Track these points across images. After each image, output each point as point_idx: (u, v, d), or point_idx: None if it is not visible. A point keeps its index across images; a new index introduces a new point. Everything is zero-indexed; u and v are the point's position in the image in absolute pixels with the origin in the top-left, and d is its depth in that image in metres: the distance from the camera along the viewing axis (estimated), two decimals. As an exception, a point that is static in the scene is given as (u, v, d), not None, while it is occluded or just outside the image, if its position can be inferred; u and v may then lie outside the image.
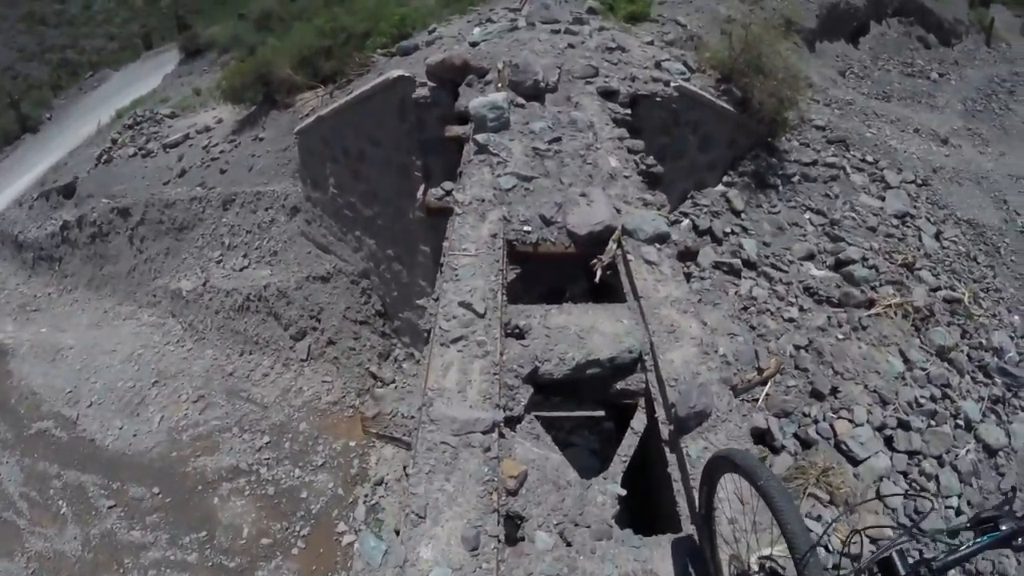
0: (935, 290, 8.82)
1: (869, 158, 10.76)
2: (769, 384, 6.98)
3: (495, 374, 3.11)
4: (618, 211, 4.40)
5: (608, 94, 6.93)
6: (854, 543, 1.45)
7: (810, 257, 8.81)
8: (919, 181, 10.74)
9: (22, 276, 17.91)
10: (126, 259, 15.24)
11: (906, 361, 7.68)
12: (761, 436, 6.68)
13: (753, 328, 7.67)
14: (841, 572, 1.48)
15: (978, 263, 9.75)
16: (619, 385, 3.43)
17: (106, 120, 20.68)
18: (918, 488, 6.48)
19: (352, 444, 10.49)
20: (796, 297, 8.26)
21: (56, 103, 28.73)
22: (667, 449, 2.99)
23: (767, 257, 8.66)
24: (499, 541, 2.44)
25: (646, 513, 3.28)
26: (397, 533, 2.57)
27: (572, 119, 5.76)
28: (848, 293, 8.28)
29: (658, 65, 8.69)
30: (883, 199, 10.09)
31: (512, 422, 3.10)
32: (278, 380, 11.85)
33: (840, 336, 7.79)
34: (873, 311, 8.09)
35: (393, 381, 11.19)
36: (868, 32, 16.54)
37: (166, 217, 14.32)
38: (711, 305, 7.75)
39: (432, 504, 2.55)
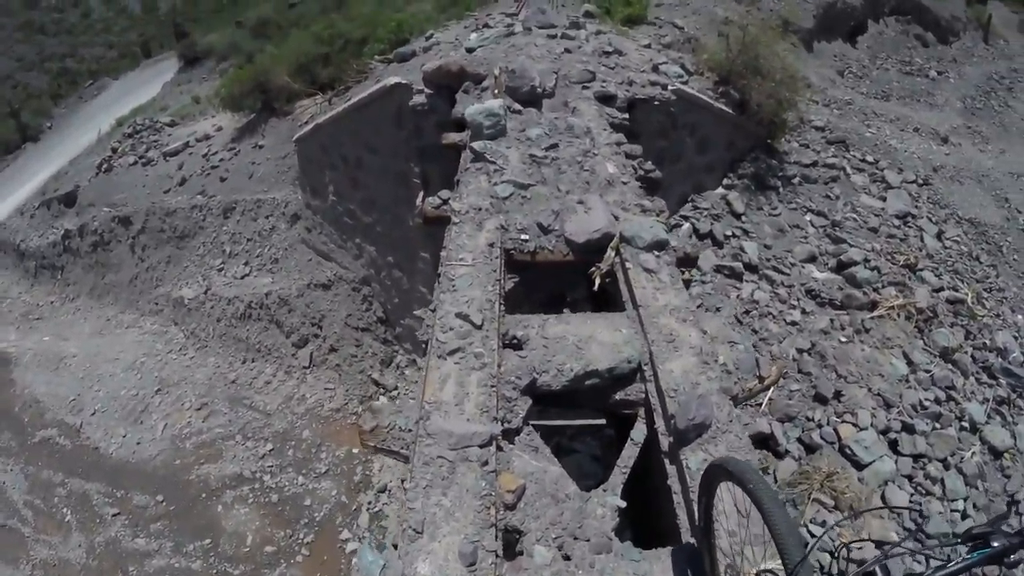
0: (938, 291, 8.79)
1: (869, 158, 10.73)
2: (772, 389, 6.96)
3: (493, 386, 3.09)
4: (616, 218, 4.38)
5: (605, 99, 6.91)
6: (845, 557, 1.44)
7: (812, 259, 8.79)
8: (920, 180, 10.70)
9: (24, 285, 17.99)
10: (128, 267, 15.29)
11: (910, 363, 7.65)
12: (764, 441, 6.65)
13: (755, 332, 7.64)
14: None
15: (980, 263, 9.71)
16: (618, 395, 3.41)
17: (106, 129, 20.77)
18: (923, 492, 6.44)
19: (355, 451, 10.48)
20: (798, 300, 8.23)
21: (56, 112, 28.88)
22: (667, 461, 2.97)
23: (768, 260, 8.64)
24: (497, 556, 2.42)
25: (646, 524, 3.26)
26: (395, 547, 2.56)
27: (569, 125, 5.75)
28: (850, 295, 8.25)
29: (655, 68, 8.68)
30: (884, 199, 10.06)
31: (510, 434, 3.08)
32: (281, 388, 11.86)
33: (843, 339, 7.76)
34: (876, 313, 8.06)
35: (395, 387, 11.18)
36: (866, 31, 16.51)
37: (167, 225, 14.36)
38: (713, 310, 7.72)
39: (429, 519, 2.53)
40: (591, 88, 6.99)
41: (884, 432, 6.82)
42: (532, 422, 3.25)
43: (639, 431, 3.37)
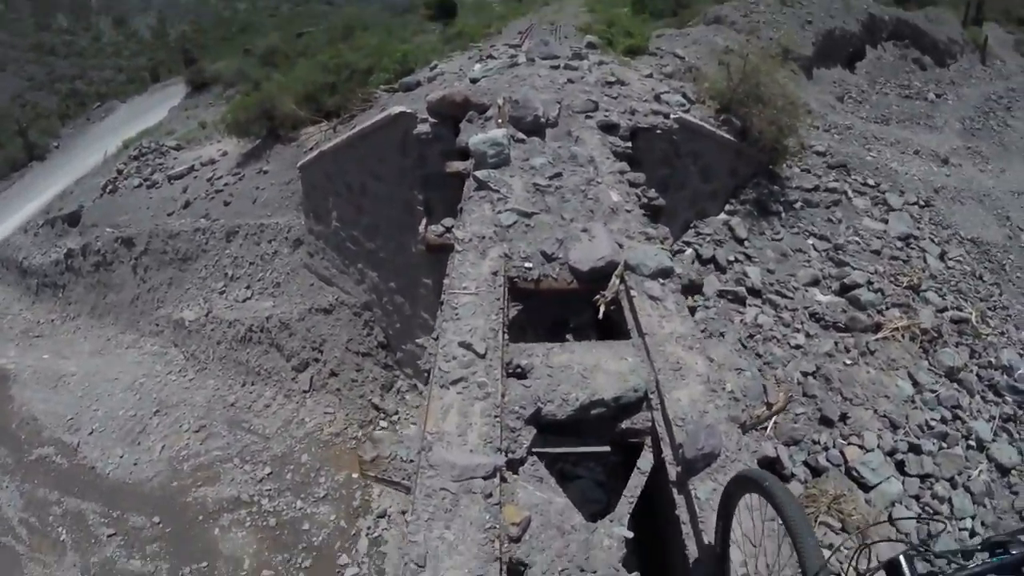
0: (942, 311, 8.78)
1: (870, 181, 10.79)
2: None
3: (496, 416, 3.06)
4: (620, 246, 4.38)
5: (608, 128, 6.97)
6: (862, 560, 1.42)
7: (815, 283, 8.79)
8: (921, 202, 10.76)
9: (26, 302, 18.02)
10: (129, 288, 15.32)
11: (915, 384, 7.61)
12: (770, 465, 6.58)
13: (760, 356, 7.61)
14: None
15: (984, 281, 9.71)
16: (624, 424, 3.37)
17: (112, 150, 21.01)
18: (931, 512, 6.37)
19: (355, 476, 10.36)
20: (802, 323, 8.22)
21: (64, 132, 29.25)
22: (675, 490, 2.93)
23: (772, 284, 8.64)
24: (501, 591, 2.38)
25: (655, 553, 3.20)
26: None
27: (572, 154, 5.79)
28: (854, 317, 8.24)
29: (657, 98, 8.78)
30: (886, 222, 10.11)
31: (514, 465, 3.04)
32: (280, 411, 11.78)
33: (848, 361, 7.73)
34: (880, 335, 8.04)
35: (396, 412, 11.10)
36: (864, 57, 16.75)
37: (170, 247, 14.42)
38: (717, 336, 7.70)
39: (432, 553, 2.48)
40: (594, 117, 7.05)
41: (891, 453, 6.77)
42: (536, 450, 3.21)
43: (646, 460, 3.33)
